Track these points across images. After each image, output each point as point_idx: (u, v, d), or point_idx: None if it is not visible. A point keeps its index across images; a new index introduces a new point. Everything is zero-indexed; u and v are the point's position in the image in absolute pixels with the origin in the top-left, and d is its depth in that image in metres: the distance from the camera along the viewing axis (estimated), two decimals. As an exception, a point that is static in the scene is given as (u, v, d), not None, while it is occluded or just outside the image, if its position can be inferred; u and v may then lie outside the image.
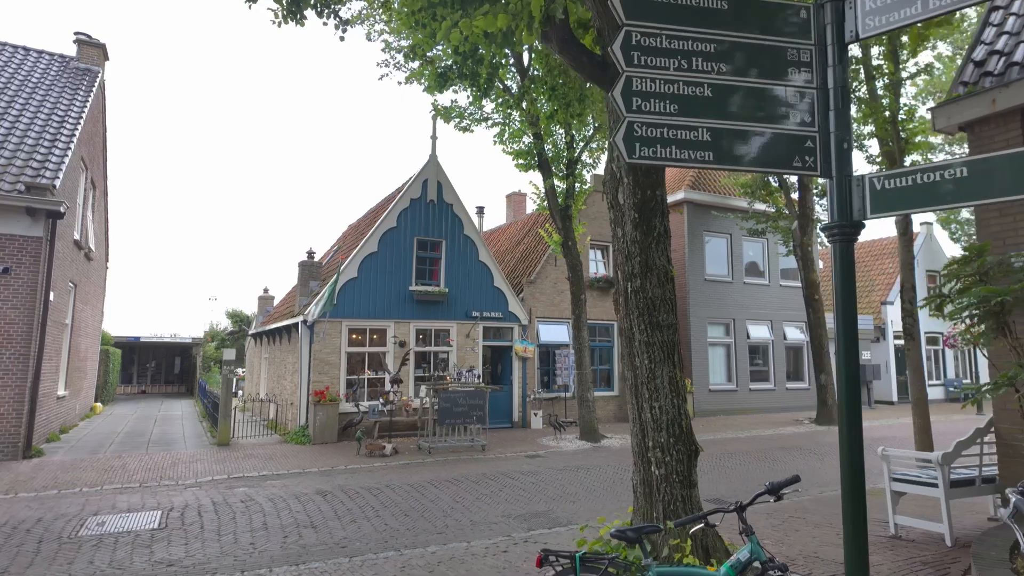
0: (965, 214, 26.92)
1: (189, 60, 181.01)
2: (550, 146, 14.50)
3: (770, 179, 20.06)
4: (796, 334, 23.42)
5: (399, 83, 15.17)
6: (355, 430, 14.09)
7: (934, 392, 27.95)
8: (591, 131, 14.01)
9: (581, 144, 14.54)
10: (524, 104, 13.27)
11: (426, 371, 15.84)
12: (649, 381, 4.66)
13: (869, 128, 13.92)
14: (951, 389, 28.17)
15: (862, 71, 10.64)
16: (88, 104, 15.46)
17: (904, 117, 9.82)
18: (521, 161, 14.54)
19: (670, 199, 21.28)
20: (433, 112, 14.86)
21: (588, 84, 10.51)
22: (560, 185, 14.58)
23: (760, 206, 20.34)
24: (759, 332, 22.34)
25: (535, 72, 12.80)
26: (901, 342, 27.24)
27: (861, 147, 12.39)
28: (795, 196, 19.55)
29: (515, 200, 27.10)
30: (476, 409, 13.15)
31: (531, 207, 21.17)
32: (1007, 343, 4.89)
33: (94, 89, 16.19)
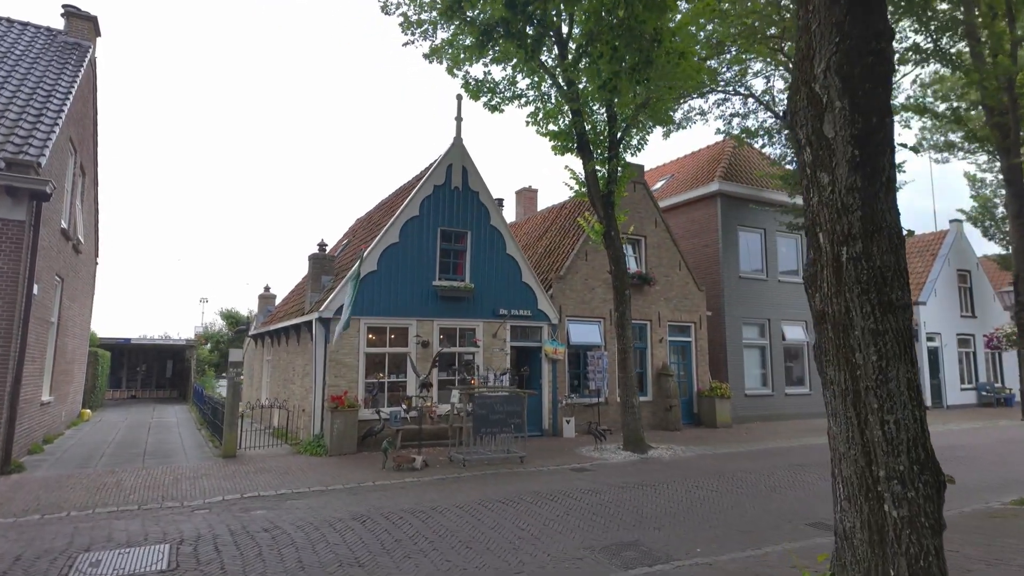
0: (1001, 211, 25.87)
1: (185, 40, 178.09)
2: (590, 126, 13.16)
3: (811, 169, 18.87)
4: (830, 335, 22.19)
5: (424, 55, 13.82)
6: (377, 440, 12.67)
7: (967, 396, 26.92)
8: (634, 109, 12.64)
9: (624, 125, 13.20)
10: (564, 73, 11.92)
11: (449, 374, 14.43)
12: (879, 385, 3.31)
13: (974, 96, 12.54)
14: (983, 393, 27.11)
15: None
16: (77, 80, 13.97)
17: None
18: (558, 143, 13.20)
19: (701, 191, 20.06)
20: (462, 87, 13.47)
21: (657, 43, 9.20)
22: (600, 169, 13.24)
23: (800, 199, 19.13)
24: (794, 333, 21.11)
25: (580, 44, 11.47)
26: (934, 343, 26.17)
27: (958, 119, 11.17)
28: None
29: (525, 196, 25.79)
30: (514, 416, 11.77)
31: (565, 195, 19.85)
32: None
33: (84, 65, 14.70)
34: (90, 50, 15.45)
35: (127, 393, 34.38)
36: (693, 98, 18.52)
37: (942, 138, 33.55)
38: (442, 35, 13.43)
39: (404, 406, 13.21)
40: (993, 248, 26.77)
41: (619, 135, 13.13)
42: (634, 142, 13.52)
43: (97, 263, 20.05)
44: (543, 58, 13.02)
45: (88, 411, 20.08)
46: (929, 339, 25.78)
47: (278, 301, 22.50)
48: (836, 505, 3.64)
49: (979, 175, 31.46)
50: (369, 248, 13.33)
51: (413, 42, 12.89)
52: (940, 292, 26.84)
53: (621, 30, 9.09)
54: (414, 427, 12.78)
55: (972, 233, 28.31)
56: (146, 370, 35.86)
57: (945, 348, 26.44)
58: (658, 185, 23.38)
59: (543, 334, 15.57)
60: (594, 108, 13.17)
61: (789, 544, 6.73)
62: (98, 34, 16.08)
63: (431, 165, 15.09)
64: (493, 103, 13.45)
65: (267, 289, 23.03)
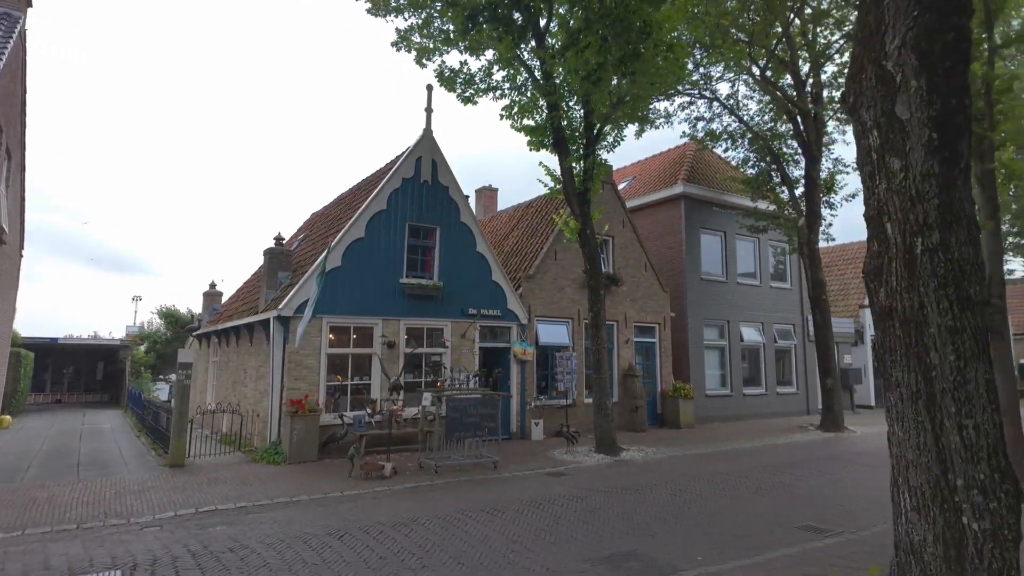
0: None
1: (129, 14, 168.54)
2: (566, 121, 12.85)
3: (773, 175, 19.21)
4: (786, 337, 22.74)
5: (392, 43, 13.23)
6: (340, 446, 11.94)
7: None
8: (611, 106, 12.40)
9: (599, 122, 12.95)
10: (543, 65, 11.58)
11: (416, 376, 13.82)
12: (957, 387, 3.07)
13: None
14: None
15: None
16: (5, 53, 12.62)
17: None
18: (534, 138, 12.84)
19: (666, 193, 20.13)
20: (436, 77, 12.93)
21: (649, 35, 8.95)
22: (576, 166, 12.95)
23: (762, 203, 19.43)
24: (751, 335, 21.47)
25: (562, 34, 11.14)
26: (877, 346, 27.21)
27: None
28: (798, 193, 18.76)
29: (485, 195, 25.38)
30: (488, 419, 11.30)
31: (538, 191, 19.47)
32: None
33: (13, 37, 13.31)
34: (20, 21, 14.03)
35: (52, 397, 31.88)
36: (659, 100, 18.53)
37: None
38: (413, 20, 12.87)
39: (369, 410, 12.52)
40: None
41: (595, 132, 12.87)
42: (609, 139, 13.30)
43: (22, 256, 18.34)
44: (520, 50, 12.64)
45: (8, 417, 18.35)
46: (874, 341, 26.79)
47: (226, 298, 21.23)
48: (900, 517, 3.38)
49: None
50: (334, 242, 12.58)
51: (385, 15, 12.20)
52: (883, 296, 27.92)
53: (611, 20, 8.81)
54: (380, 432, 12.12)
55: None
56: (74, 372, 33.36)
57: (887, 350, 27.55)
58: (621, 187, 23.38)
59: (512, 334, 15.16)
60: (571, 104, 12.88)
61: (787, 549, 6.57)
62: (29, 4, 14.64)
63: (399, 157, 14.44)
64: (467, 94, 12.96)
65: (213, 285, 21.70)
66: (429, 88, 14.29)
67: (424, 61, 13.57)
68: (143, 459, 12.53)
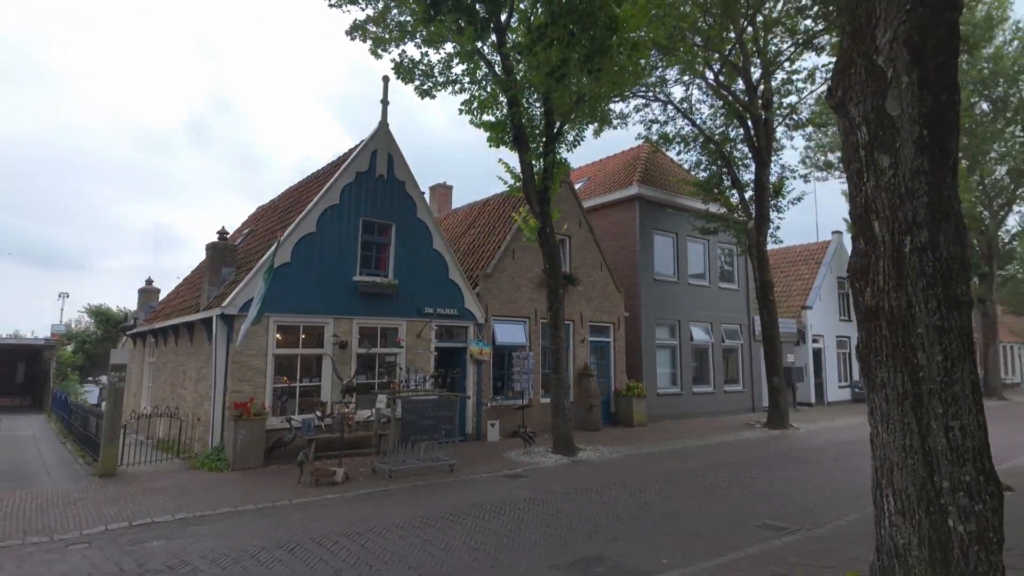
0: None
1: None
2: (526, 119, 12.68)
3: (724, 178, 19.62)
4: (733, 337, 23.31)
5: (346, 32, 12.78)
6: (287, 451, 11.39)
7: (843, 393, 29.37)
8: (572, 103, 12.31)
9: (560, 120, 12.83)
10: (504, 60, 11.38)
11: (369, 377, 13.36)
12: (944, 388, 3.02)
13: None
14: (856, 390, 29.71)
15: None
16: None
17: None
18: (493, 134, 12.60)
19: (622, 194, 20.26)
20: (393, 69, 12.53)
21: (614, 33, 8.89)
22: (536, 164, 12.80)
23: (713, 206, 19.82)
24: (701, 334, 21.90)
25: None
26: (818, 345, 28.29)
27: None
28: (748, 196, 19.22)
29: (439, 193, 24.97)
30: (445, 422, 11.00)
31: (496, 188, 19.20)
32: None
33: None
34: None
35: (-36, 401, 29.47)
36: (616, 101, 18.62)
37: (822, 158, 36.62)
38: (369, 11, 12.45)
39: (319, 413, 12.00)
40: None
41: (556, 129, 12.75)
42: (570, 138, 13.21)
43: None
44: (480, 44, 12.39)
45: (-85, 423, 16.76)
46: (814, 341, 27.84)
47: (163, 296, 20.08)
48: (883, 520, 3.32)
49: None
50: (283, 236, 12.00)
51: (341, 6, 11.75)
52: (823, 297, 29.08)
53: (577, 15, 8.68)
54: (331, 436, 11.63)
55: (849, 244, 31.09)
56: (-9, 374, 30.94)
57: (827, 349, 28.69)
58: (577, 187, 23.42)
59: (469, 334, 14.88)
60: (531, 100, 12.71)
61: (749, 549, 6.57)
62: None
63: (354, 150, 13.93)
64: (426, 87, 12.62)
65: (149, 282, 20.47)
66: (385, 79, 13.85)
67: (380, 52, 13.16)
68: (69, 468, 11.62)
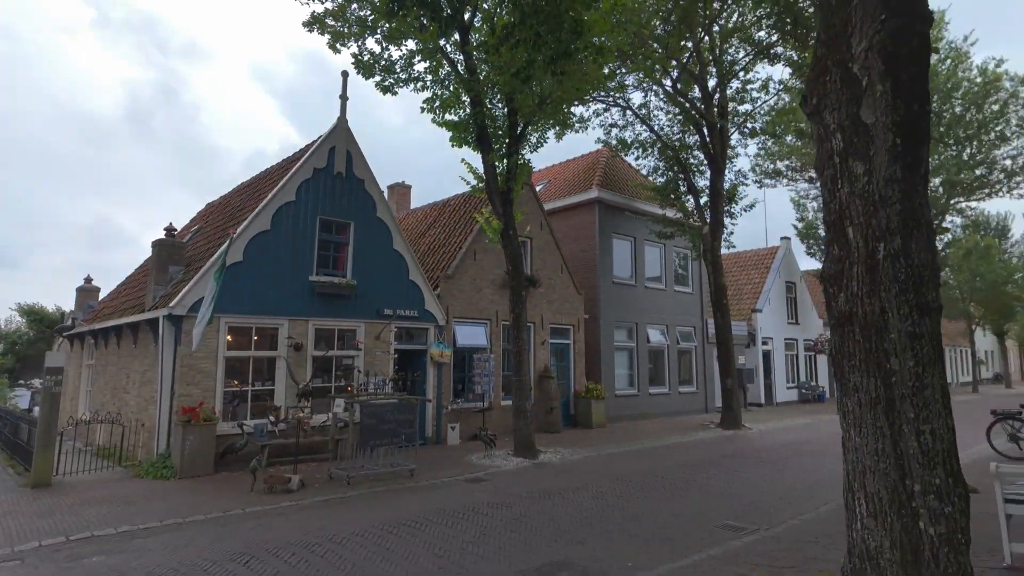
0: (821, 232, 29.62)
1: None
2: (489, 119, 12.58)
3: (680, 184, 19.98)
4: (687, 339, 23.78)
5: (304, 23, 12.42)
6: (239, 457, 10.95)
7: (791, 394, 30.37)
8: (540, 103, 12.27)
9: (523, 121, 12.79)
10: (467, 60, 11.27)
11: (325, 380, 12.98)
12: (915, 393, 3.08)
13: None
14: (803, 391, 30.78)
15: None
16: None
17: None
18: (456, 134, 12.45)
19: (582, 197, 20.39)
20: (353, 64, 12.23)
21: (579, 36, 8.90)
22: (499, 165, 12.72)
23: (670, 211, 20.16)
24: (657, 336, 22.25)
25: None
26: (768, 347, 29.16)
27: None
28: (703, 202, 19.63)
29: (397, 192, 24.61)
30: (405, 426, 10.77)
31: (454, 189, 18.97)
32: None
33: None
34: None
35: None
36: (576, 105, 18.73)
37: (771, 166, 37.83)
38: (328, 5, 12.13)
39: (272, 417, 11.59)
40: (814, 264, 30.52)
41: (519, 131, 12.70)
42: (533, 140, 13.19)
43: None
44: (443, 43, 12.23)
45: None
46: (764, 343, 28.69)
47: (104, 295, 19.06)
48: (854, 522, 3.37)
49: (802, 201, 35.90)
50: (236, 233, 11.53)
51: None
52: (772, 301, 30.02)
53: (543, 16, 8.65)
54: (285, 441, 11.24)
55: (797, 250, 32.23)
56: (-92, 377, 28.74)
57: (775, 351, 29.62)
58: (537, 189, 23.48)
59: (429, 336, 14.66)
60: (494, 101, 12.63)
61: (711, 550, 6.64)
62: None
63: (311, 145, 13.53)
64: (387, 84, 12.36)
65: (88, 280, 19.40)
66: (345, 75, 13.51)
67: (338, 46, 12.84)
68: (-2, 479, 10.85)
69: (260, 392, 12.08)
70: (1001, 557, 5.52)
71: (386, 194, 24.12)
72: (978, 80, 30.62)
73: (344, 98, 13.53)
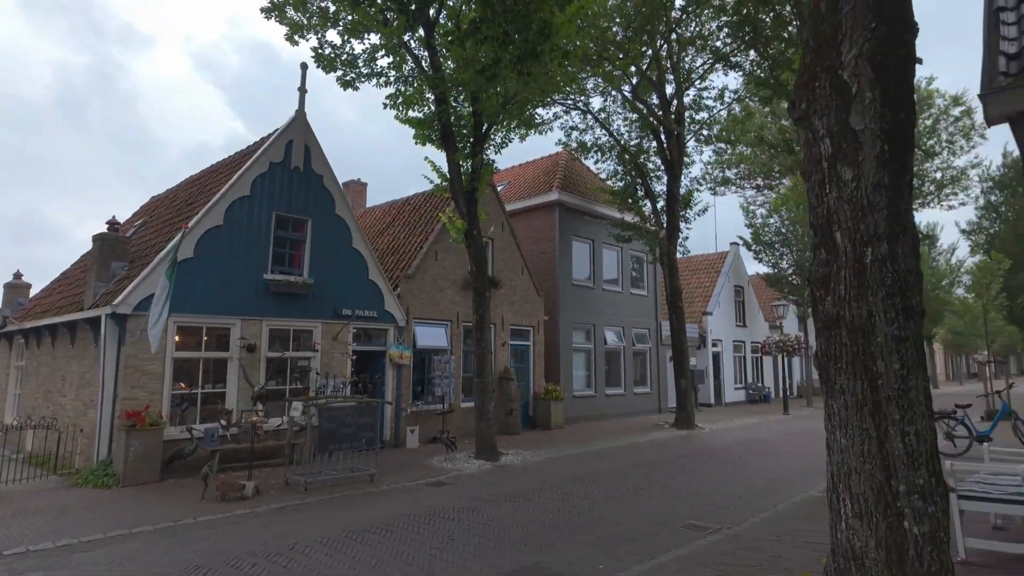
0: (769, 237, 30.60)
1: None
2: (454, 117, 12.43)
3: (638, 188, 20.27)
4: (642, 340, 24.18)
5: (263, 9, 11.99)
6: (188, 464, 10.42)
7: (738, 395, 31.30)
8: (505, 103, 12.20)
9: (488, 121, 12.69)
10: (432, 58, 11.10)
11: (279, 382, 12.52)
12: (901, 395, 3.15)
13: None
14: (750, 392, 31.78)
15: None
16: None
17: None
18: (420, 131, 12.25)
19: (543, 199, 20.44)
20: (313, 57, 11.86)
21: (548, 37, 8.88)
22: (463, 164, 12.57)
23: (628, 215, 20.44)
24: (613, 338, 22.53)
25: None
26: (717, 349, 29.97)
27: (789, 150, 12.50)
28: (660, 206, 19.98)
29: (353, 190, 24.08)
30: (365, 429, 10.50)
31: (412, 187, 18.64)
32: None
33: None
34: None
35: None
36: (539, 107, 18.77)
37: (721, 174, 38.93)
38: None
39: (223, 422, 11.08)
40: (761, 268, 31.54)
41: (484, 130, 12.59)
42: (497, 140, 13.10)
43: None
44: (407, 38, 12.01)
45: None
46: (714, 345, 29.47)
47: (35, 292, 17.86)
48: (839, 523, 3.41)
49: (750, 208, 37.06)
50: (189, 227, 10.99)
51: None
52: (722, 304, 30.89)
53: (512, 15, 8.59)
54: (237, 446, 10.78)
55: (745, 255, 33.19)
56: None
57: (724, 353, 30.49)
58: (497, 190, 23.41)
59: (389, 337, 14.36)
60: (459, 100, 12.48)
61: (678, 550, 6.69)
62: None
63: (267, 138, 13.04)
64: (348, 78, 12.04)
65: (18, 276, 18.16)
66: (304, 67, 13.10)
67: (297, 38, 12.44)
68: (-85, 490, 9.97)
69: (211, 395, 11.55)
70: (956, 552, 5.76)
71: (342, 191, 23.60)
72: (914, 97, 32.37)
73: (303, 91, 13.11)
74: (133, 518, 7.79)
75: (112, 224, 12.54)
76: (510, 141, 13.40)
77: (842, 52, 3.33)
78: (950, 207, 34.08)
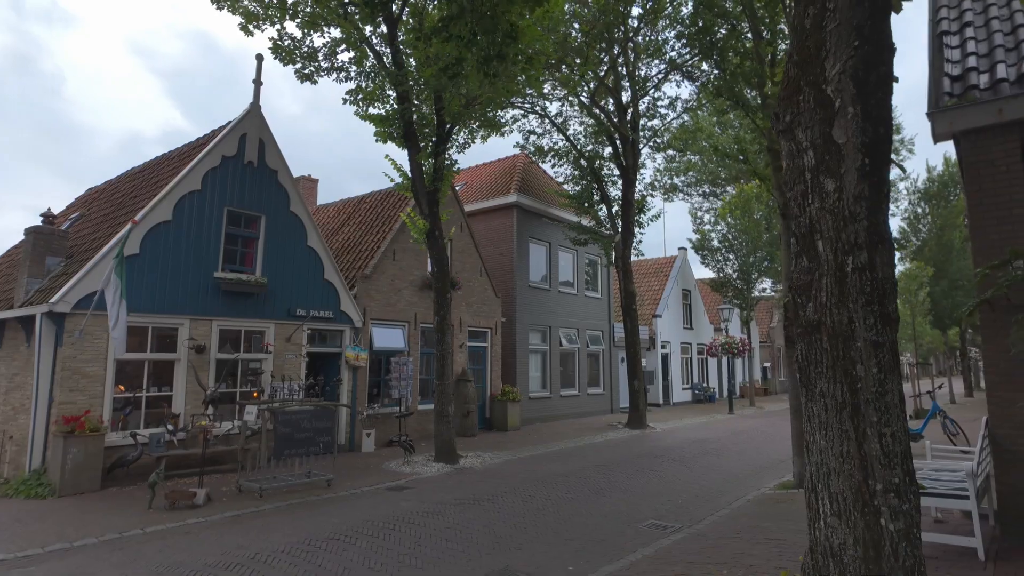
0: (715, 243, 31.60)
1: None
2: (417, 115, 12.27)
3: (594, 193, 20.55)
4: (596, 342, 24.53)
5: (212, 1, 11.53)
6: (129, 471, 9.90)
7: (685, 395, 32.19)
8: (467, 103, 12.14)
9: (450, 120, 12.59)
10: (395, 55, 10.94)
11: (230, 385, 12.04)
12: (878, 398, 3.29)
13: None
14: (696, 392, 32.73)
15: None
16: None
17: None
18: (382, 129, 12.03)
19: (501, 201, 20.45)
20: (271, 48, 11.50)
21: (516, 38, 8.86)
22: (425, 164, 12.43)
23: (584, 219, 20.69)
24: (568, 340, 22.76)
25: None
26: (666, 350, 30.72)
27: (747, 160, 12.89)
28: (615, 211, 20.31)
29: (303, 186, 23.41)
30: (323, 434, 10.21)
31: (360, 185, 18.23)
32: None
33: None
34: None
35: None
36: (502, 108, 18.77)
37: (669, 180, 39.91)
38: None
39: (170, 426, 10.57)
40: (708, 273, 32.54)
41: (447, 129, 12.48)
42: (460, 139, 13.01)
43: None
44: (369, 32, 11.78)
45: None
46: (662, 347, 30.20)
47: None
48: (818, 521, 3.53)
49: (698, 214, 38.21)
50: (139, 217, 10.42)
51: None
52: (670, 307, 31.70)
53: (479, 16, 8.55)
54: (185, 452, 10.30)
55: (692, 260, 34.19)
56: None
57: (672, 354, 31.29)
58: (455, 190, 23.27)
59: (345, 338, 14.03)
60: (421, 98, 12.32)
61: (645, 550, 6.80)
62: None
63: (220, 131, 12.52)
64: (307, 71, 11.71)
65: (-66, 270, 16.77)
66: (259, 58, 12.64)
67: (252, 28, 12.04)
68: None
69: (156, 398, 10.99)
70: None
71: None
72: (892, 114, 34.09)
73: (258, 83, 12.64)
74: (74, 530, 7.32)
75: (47, 217, 11.77)
76: (474, 141, 13.35)
77: (826, 68, 3.45)
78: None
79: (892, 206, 38.95)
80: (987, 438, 6.34)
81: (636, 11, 17.65)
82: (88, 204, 15.90)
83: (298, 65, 11.72)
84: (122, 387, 10.74)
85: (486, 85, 10.22)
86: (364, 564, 6.15)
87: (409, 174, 12.32)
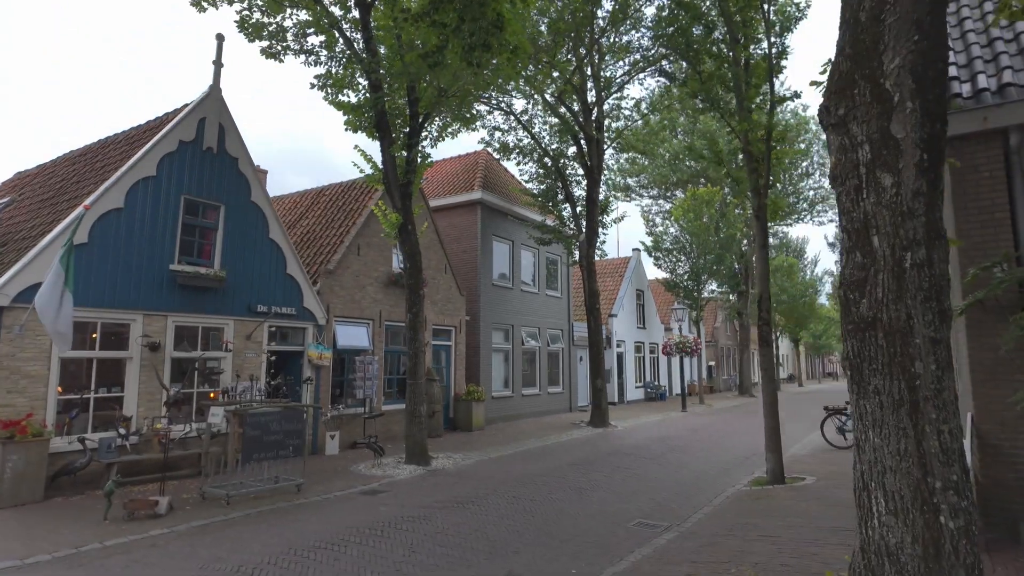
0: (667, 244, 32.21)
1: None
2: (390, 107, 11.84)
3: (559, 192, 20.52)
4: (556, 341, 24.56)
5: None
6: (76, 479, 9.08)
7: (638, 393, 32.73)
8: (440, 94, 11.78)
9: (425, 111, 12.22)
10: (368, 43, 10.52)
11: (186, 386, 11.28)
12: (936, 395, 3.28)
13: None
14: (648, 390, 33.34)
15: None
16: None
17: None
18: (352, 118, 11.54)
19: (465, 198, 20.13)
20: (237, 25, 10.80)
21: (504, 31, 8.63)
22: (397, 156, 12.01)
23: (549, 219, 20.65)
24: (530, 339, 22.69)
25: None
26: (620, 349, 31.13)
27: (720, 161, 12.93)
28: (579, 211, 20.35)
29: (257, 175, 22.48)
30: (293, 436, 9.67)
31: (306, 179, 17.49)
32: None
33: None
34: None
35: None
36: (472, 102, 18.45)
37: (623, 181, 40.52)
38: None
39: (122, 430, 9.79)
40: (660, 273, 33.14)
41: (420, 121, 12.10)
42: (434, 132, 12.65)
43: None
44: (339, 14, 11.27)
45: None
46: (617, 345, 30.59)
47: None
48: (870, 520, 3.49)
49: (651, 216, 38.93)
50: (91, 201, 9.56)
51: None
52: (625, 307, 32.18)
53: (466, 2, 8.29)
54: (137, 457, 9.55)
55: (645, 261, 34.88)
56: None
57: (627, 353, 31.76)
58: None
59: (307, 336, 13.41)
60: (395, 87, 11.89)
61: (642, 550, 6.73)
62: None
63: (175, 114, 11.69)
64: (275, 51, 11.08)
65: None
66: (220, 37, 11.89)
67: (204, 4, 11.30)
68: None
69: (106, 400, 10.15)
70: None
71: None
72: (792, 122, 35.55)
73: (219, 64, 11.89)
74: (22, 546, 6.61)
75: (-23, 201, 10.68)
76: (445, 135, 13.01)
77: (884, 62, 3.42)
78: (820, 223, 37.81)
79: (832, 211, 40.84)
80: (973, 434, 6.58)
81: (602, 12, 17.73)
82: (18, 189, 14.60)
83: (265, 43, 11.07)
84: (59, 388, 9.84)
85: (468, 75, 9.94)
86: (360, 574, 5.79)
87: (380, 166, 11.87)
